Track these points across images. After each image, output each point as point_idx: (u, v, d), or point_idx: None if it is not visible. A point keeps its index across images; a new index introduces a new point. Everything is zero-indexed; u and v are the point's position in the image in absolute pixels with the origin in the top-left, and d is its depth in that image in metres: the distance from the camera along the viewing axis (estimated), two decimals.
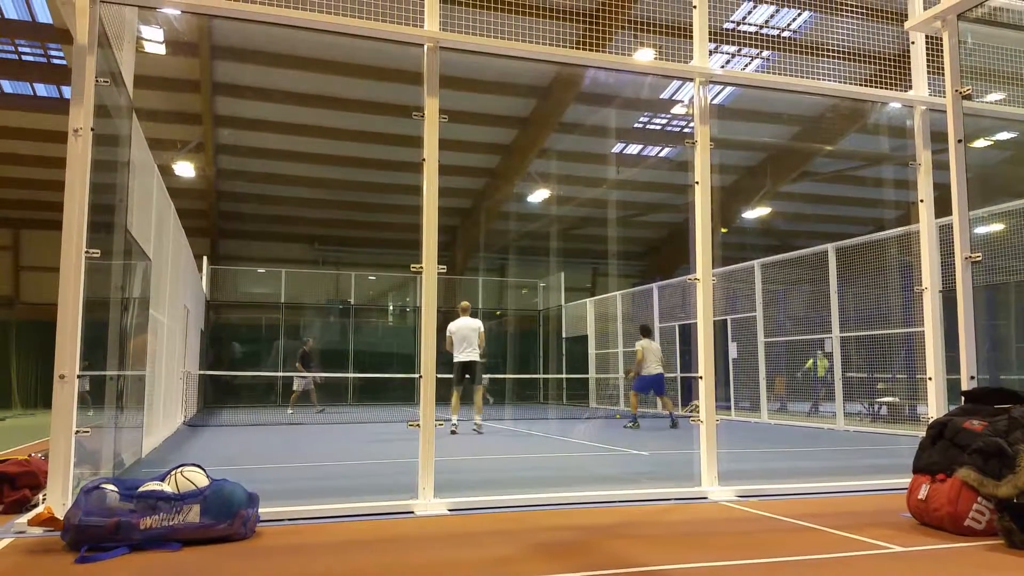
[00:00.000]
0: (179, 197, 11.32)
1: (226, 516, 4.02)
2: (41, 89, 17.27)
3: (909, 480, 4.64)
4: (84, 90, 4.57)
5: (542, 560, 3.64)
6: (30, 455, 5.39)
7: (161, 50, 15.37)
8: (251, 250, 24.73)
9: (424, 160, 5.28)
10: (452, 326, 11.81)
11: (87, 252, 4.52)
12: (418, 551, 3.86)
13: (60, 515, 4.03)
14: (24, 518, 4.35)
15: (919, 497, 4.46)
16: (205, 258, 20.71)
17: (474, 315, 12.24)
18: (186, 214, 12.67)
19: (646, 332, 13.86)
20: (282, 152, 20.25)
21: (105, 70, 4.90)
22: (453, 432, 11.31)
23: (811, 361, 14.86)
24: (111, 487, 3.95)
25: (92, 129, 4.58)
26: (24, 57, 16.07)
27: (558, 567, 3.50)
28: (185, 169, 19.40)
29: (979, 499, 4.16)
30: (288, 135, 19.33)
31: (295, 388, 18.30)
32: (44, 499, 4.43)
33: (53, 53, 15.90)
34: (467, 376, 11.79)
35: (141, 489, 4.00)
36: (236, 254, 24.50)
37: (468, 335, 11.74)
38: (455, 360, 11.74)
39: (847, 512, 4.94)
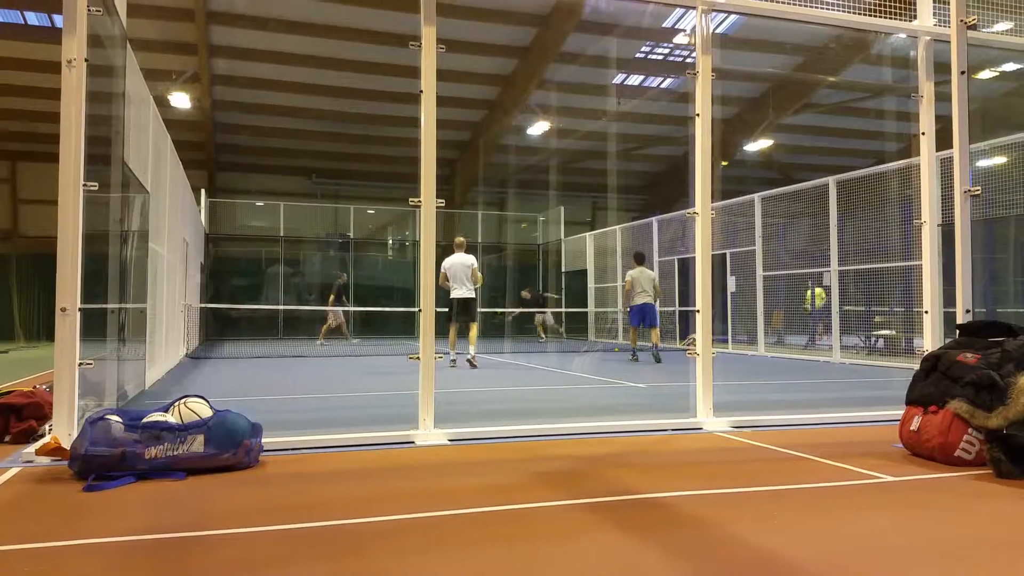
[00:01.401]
0: (175, 129, 11.21)
1: (230, 446, 4.09)
2: (32, 18, 16.92)
3: (902, 412, 4.71)
4: (76, 19, 4.49)
5: (540, 488, 3.72)
6: (35, 387, 5.46)
7: None
8: (249, 183, 24.59)
9: (422, 91, 5.21)
10: (446, 262, 11.59)
11: (85, 185, 4.50)
12: (418, 479, 3.94)
13: (66, 445, 4.10)
14: (32, 448, 4.43)
15: (911, 428, 4.54)
16: (203, 191, 20.61)
17: (471, 250, 11.96)
18: (183, 146, 12.56)
19: (639, 260, 13.52)
20: (279, 83, 19.98)
21: None
22: (453, 365, 11.39)
23: (808, 293, 14.93)
24: (116, 418, 4.01)
25: (86, 60, 4.52)
26: None
27: (555, 495, 3.58)
28: (181, 100, 19.16)
29: (969, 430, 4.23)
30: (285, 65, 19.05)
31: (328, 322, 18.71)
32: (50, 429, 4.51)
33: None
34: (462, 312, 11.59)
35: (145, 420, 4.07)
36: (234, 187, 24.37)
37: (462, 272, 11.54)
38: (451, 297, 11.53)
39: (839, 443, 5.03)
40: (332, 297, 18.74)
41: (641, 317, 13.17)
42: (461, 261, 11.57)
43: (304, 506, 3.39)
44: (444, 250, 10.13)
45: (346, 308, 19.41)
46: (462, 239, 11.90)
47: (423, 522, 3.15)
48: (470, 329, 11.70)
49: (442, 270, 11.53)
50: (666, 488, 3.73)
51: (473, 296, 11.61)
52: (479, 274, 11.76)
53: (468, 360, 11.43)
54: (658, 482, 3.86)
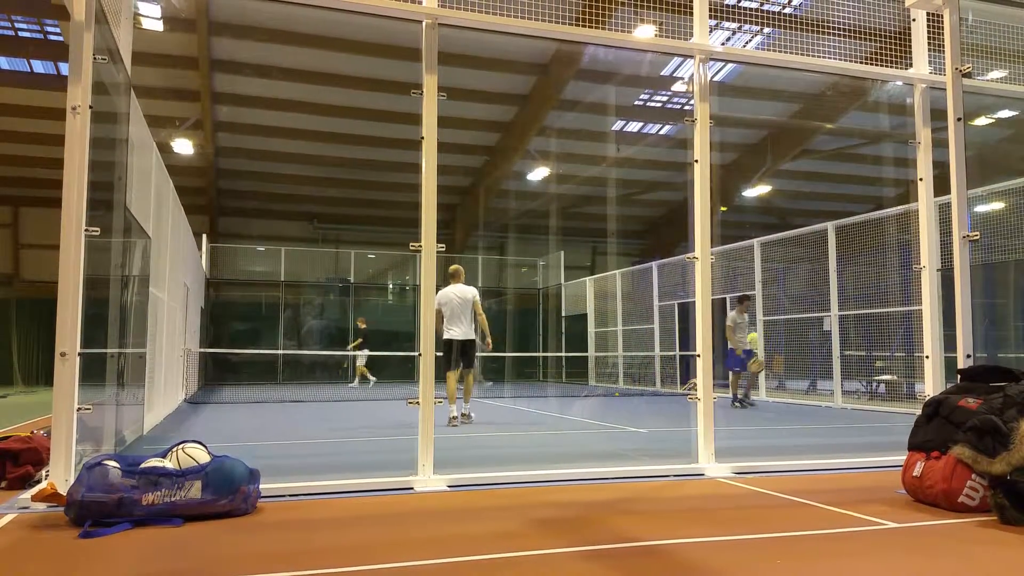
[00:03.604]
0: (178, 175, 11.30)
1: (227, 492, 4.05)
2: (38, 66, 17.16)
3: (904, 457, 4.68)
4: (82, 67, 4.55)
5: (541, 535, 3.68)
6: (32, 432, 5.42)
7: (159, 26, 15.29)
8: (250, 228, 24.71)
9: (423, 138, 5.27)
10: (441, 296, 9.51)
11: (87, 230, 4.53)
12: (418, 526, 3.90)
13: (63, 491, 4.06)
14: (28, 494, 4.39)
15: (914, 474, 4.50)
16: (204, 236, 20.70)
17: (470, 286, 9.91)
18: (185, 192, 12.65)
19: (740, 300, 13.11)
20: (281, 129, 20.18)
21: (103, 47, 4.88)
22: (454, 423, 9.35)
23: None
24: (113, 463, 3.98)
25: (90, 107, 4.57)
26: (20, 33, 15.97)
27: (556, 542, 3.54)
28: (184, 146, 19.35)
29: (973, 476, 4.20)
30: (287, 112, 19.27)
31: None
32: (47, 475, 4.46)
33: (50, 29, 15.80)
34: (462, 356, 9.62)
35: (143, 465, 4.04)
36: (235, 232, 24.49)
37: (460, 307, 9.56)
38: (445, 338, 9.57)
39: (842, 489, 4.99)
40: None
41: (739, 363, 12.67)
42: (459, 294, 9.60)
43: (301, 554, 3.35)
44: None
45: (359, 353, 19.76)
46: (458, 267, 9.91)
47: (421, 570, 3.11)
48: (466, 377, 9.73)
49: (436, 306, 9.00)
50: (668, 535, 3.68)
51: (473, 338, 9.69)
52: (482, 311, 9.79)
53: (462, 414, 9.60)
54: (660, 529, 3.82)
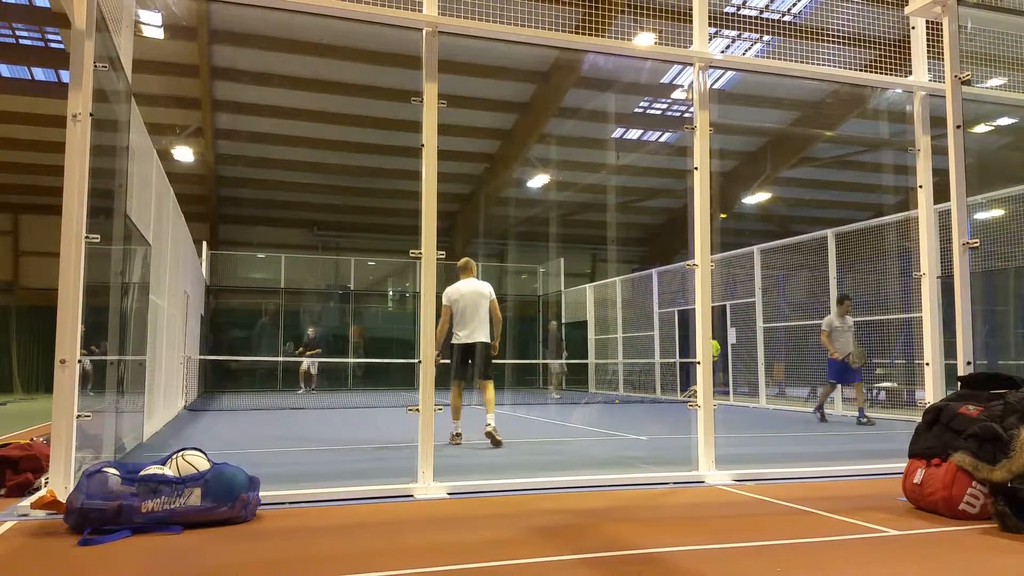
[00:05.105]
0: (178, 182, 11.31)
1: (227, 499, 4.05)
2: (39, 73, 17.20)
3: (905, 465, 4.67)
4: (83, 75, 4.57)
5: (540, 543, 3.67)
6: (32, 439, 5.42)
7: (159, 34, 15.32)
8: (250, 235, 24.73)
9: (423, 145, 5.28)
10: (451, 292, 8.29)
11: (87, 237, 4.53)
12: (417, 534, 3.89)
13: (62, 498, 4.06)
14: (27, 501, 4.38)
15: (914, 481, 4.49)
16: (205, 243, 20.70)
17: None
18: (185, 199, 12.65)
19: (839, 301, 11.63)
20: (281, 137, 20.21)
21: (103, 55, 4.89)
22: (456, 442, 8.12)
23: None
24: (113, 471, 3.98)
25: (91, 114, 4.58)
26: (22, 41, 16.00)
27: (556, 550, 3.53)
28: (184, 154, 19.38)
29: (974, 483, 4.19)
30: (287, 120, 19.29)
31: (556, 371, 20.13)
32: (46, 483, 4.46)
33: (51, 37, 15.83)
34: (470, 363, 8.30)
35: (143, 473, 4.03)
36: (236, 239, 24.50)
37: (475, 304, 8.20)
38: (455, 342, 8.29)
39: (843, 496, 4.98)
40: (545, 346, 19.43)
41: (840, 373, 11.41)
42: (475, 290, 8.25)
43: (301, 561, 3.35)
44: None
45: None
46: (469, 260, 8.54)
47: None
48: (485, 388, 8.28)
49: (444, 303, 8.27)
50: (667, 543, 3.68)
51: (484, 340, 8.28)
52: (499, 313, 8.45)
53: (487, 433, 7.95)
54: (659, 537, 3.81)
